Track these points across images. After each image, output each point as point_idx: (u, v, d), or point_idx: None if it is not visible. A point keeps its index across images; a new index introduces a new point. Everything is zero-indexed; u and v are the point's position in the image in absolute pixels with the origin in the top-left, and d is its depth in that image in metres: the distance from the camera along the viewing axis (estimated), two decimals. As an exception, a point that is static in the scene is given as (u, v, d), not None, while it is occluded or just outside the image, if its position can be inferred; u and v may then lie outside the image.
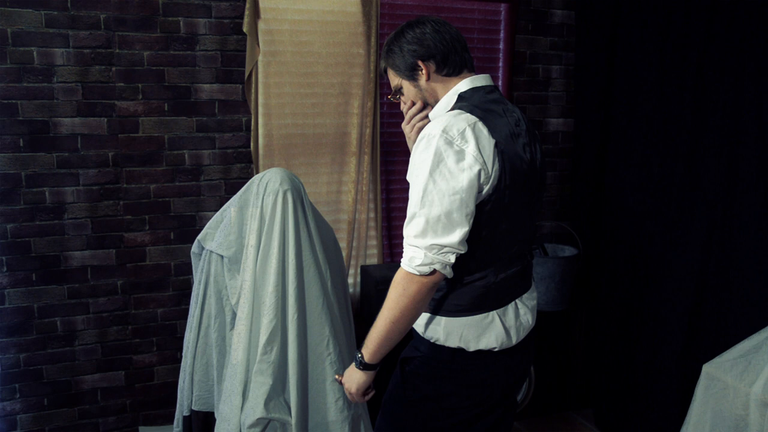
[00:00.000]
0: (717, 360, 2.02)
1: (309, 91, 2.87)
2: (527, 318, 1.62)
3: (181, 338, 2.48)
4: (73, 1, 2.49)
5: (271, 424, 2.07)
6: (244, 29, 2.67)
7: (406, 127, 1.71)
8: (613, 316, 3.02)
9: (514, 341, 1.58)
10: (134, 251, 2.73)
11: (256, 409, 2.03)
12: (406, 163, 1.52)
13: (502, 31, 3.20)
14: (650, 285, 2.78)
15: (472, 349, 1.54)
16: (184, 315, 2.76)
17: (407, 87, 1.63)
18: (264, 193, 2.12)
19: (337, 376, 1.69)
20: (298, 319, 2.09)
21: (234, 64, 2.73)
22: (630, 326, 2.90)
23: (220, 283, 2.25)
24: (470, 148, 1.40)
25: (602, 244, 3.10)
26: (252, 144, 2.78)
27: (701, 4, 2.48)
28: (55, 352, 2.67)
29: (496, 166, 1.43)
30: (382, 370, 1.64)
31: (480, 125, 1.44)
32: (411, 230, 1.43)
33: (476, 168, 1.40)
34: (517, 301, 1.60)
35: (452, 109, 1.52)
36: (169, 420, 2.79)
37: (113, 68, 2.59)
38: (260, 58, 2.74)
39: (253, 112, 2.75)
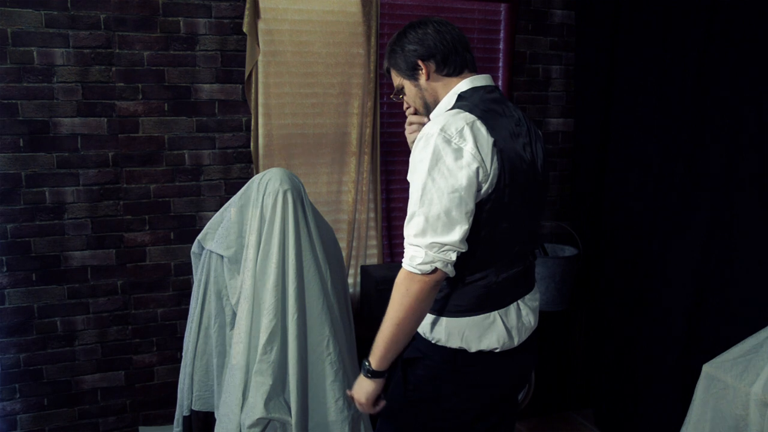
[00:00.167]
0: (717, 360, 2.01)
1: (309, 91, 2.87)
2: (529, 319, 1.62)
3: (181, 338, 2.48)
4: (73, 1, 2.49)
5: (271, 424, 2.07)
6: (244, 29, 2.67)
7: (406, 130, 1.74)
8: (613, 316, 3.02)
9: (515, 342, 1.58)
10: (134, 251, 2.73)
11: (256, 409, 2.03)
12: (406, 163, 1.52)
13: (502, 31, 3.20)
14: (650, 285, 2.78)
15: (473, 349, 1.54)
16: (184, 315, 2.76)
17: (408, 87, 1.64)
18: (264, 193, 2.12)
19: (348, 392, 1.66)
20: (298, 319, 2.09)
21: (234, 64, 2.73)
22: (630, 326, 2.90)
23: (220, 283, 2.25)
24: (468, 147, 1.40)
25: (602, 244, 3.10)
26: (252, 144, 2.78)
27: (701, 4, 2.48)
28: (55, 352, 2.67)
29: (495, 164, 1.43)
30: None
31: (478, 124, 1.44)
32: (411, 229, 1.43)
33: (474, 165, 1.40)
34: (519, 301, 1.60)
35: (452, 108, 1.52)
36: (169, 420, 2.78)
37: (113, 68, 2.59)
38: (260, 58, 2.74)
39: (253, 112, 2.75)
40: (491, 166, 1.43)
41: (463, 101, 1.53)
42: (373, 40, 2.86)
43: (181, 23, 2.64)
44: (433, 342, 1.57)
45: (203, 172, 2.77)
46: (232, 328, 2.20)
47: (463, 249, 1.44)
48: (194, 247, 2.36)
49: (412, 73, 1.61)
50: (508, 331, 1.56)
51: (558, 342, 3.20)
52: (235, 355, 2.09)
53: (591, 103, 3.13)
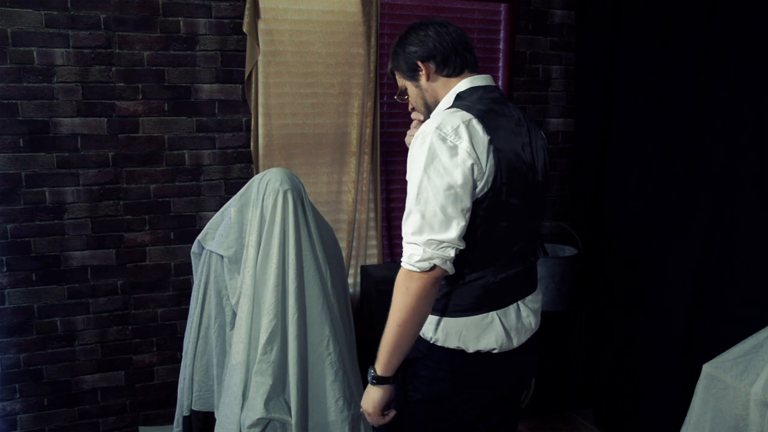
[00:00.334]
0: (717, 360, 2.01)
1: (309, 91, 2.87)
2: (530, 320, 1.61)
3: (181, 338, 2.48)
4: (73, 1, 2.49)
5: (271, 424, 2.07)
6: (244, 29, 2.67)
7: (408, 133, 1.77)
8: (613, 316, 3.02)
9: (514, 343, 1.58)
10: (134, 251, 2.73)
11: (256, 409, 2.03)
12: (406, 163, 1.52)
13: (502, 31, 3.20)
14: (650, 285, 2.78)
15: (471, 350, 1.54)
16: (184, 315, 2.76)
17: (410, 88, 1.67)
18: (264, 193, 2.12)
19: (361, 408, 1.61)
20: (298, 319, 2.09)
21: (234, 64, 2.73)
22: (630, 326, 2.90)
23: (220, 283, 2.25)
24: (463, 144, 1.41)
25: (602, 244, 3.10)
26: (252, 144, 2.78)
27: (701, 4, 2.48)
28: (55, 352, 2.67)
29: (491, 162, 1.44)
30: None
31: (475, 122, 1.45)
32: (408, 227, 1.44)
33: (469, 163, 1.41)
34: (519, 302, 1.59)
35: (450, 107, 1.54)
36: (169, 420, 2.78)
37: (113, 68, 2.59)
38: (260, 58, 2.74)
39: (253, 112, 2.75)
40: (487, 164, 1.43)
41: (461, 100, 1.54)
42: (373, 40, 2.86)
43: (181, 23, 2.64)
44: (431, 342, 1.57)
45: (203, 172, 2.77)
46: (232, 328, 2.20)
47: (461, 246, 1.44)
48: (194, 247, 2.36)
49: (413, 75, 1.63)
50: (507, 332, 1.55)
51: (558, 342, 3.20)
52: (235, 355, 2.09)
53: (591, 103, 3.13)
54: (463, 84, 1.59)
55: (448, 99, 1.59)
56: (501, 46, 3.21)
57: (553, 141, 3.35)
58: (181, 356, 2.39)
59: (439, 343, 1.55)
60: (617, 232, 2.99)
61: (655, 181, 2.74)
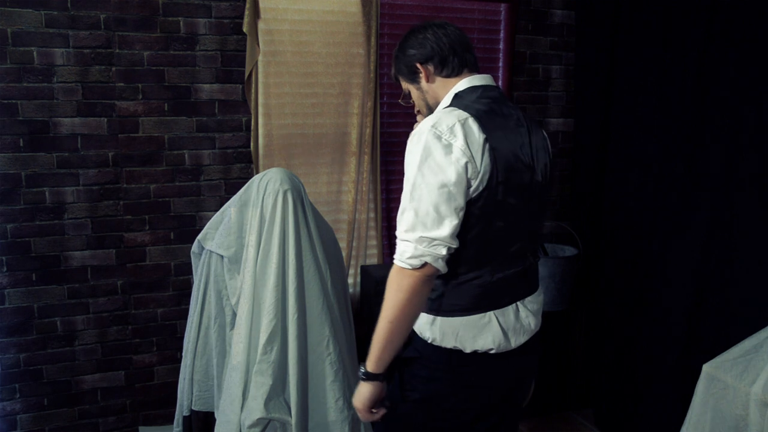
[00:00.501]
0: (717, 360, 2.01)
1: (309, 91, 2.87)
2: (529, 321, 1.61)
3: (181, 338, 2.48)
4: (73, 1, 2.49)
5: (271, 424, 2.07)
6: (244, 29, 2.67)
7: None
8: (613, 316, 3.02)
9: (512, 344, 1.57)
10: (134, 251, 2.73)
11: (256, 409, 2.03)
12: (405, 161, 1.53)
13: (502, 31, 3.20)
14: (650, 285, 2.78)
15: (468, 350, 1.53)
16: (184, 315, 2.76)
17: (412, 90, 1.70)
18: (264, 193, 2.12)
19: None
20: (298, 319, 2.09)
21: (234, 64, 2.73)
22: (630, 326, 2.90)
23: (220, 283, 2.25)
24: (458, 143, 1.42)
25: (602, 244, 3.10)
26: (252, 144, 2.78)
27: (701, 4, 2.48)
28: (55, 352, 2.67)
29: (486, 161, 1.44)
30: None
31: (470, 121, 1.46)
32: (402, 225, 1.45)
33: (463, 161, 1.41)
34: (518, 303, 1.59)
35: (448, 107, 1.55)
36: (169, 420, 2.78)
37: (113, 68, 2.59)
38: (260, 58, 2.74)
39: (253, 112, 2.75)
40: (481, 162, 1.44)
41: (460, 100, 1.55)
42: (373, 40, 2.86)
43: (181, 23, 2.64)
44: (428, 342, 1.56)
45: (203, 172, 2.77)
46: (232, 328, 2.20)
47: (453, 244, 1.44)
48: (194, 247, 2.36)
49: (413, 77, 1.66)
50: (505, 332, 1.55)
51: (558, 342, 3.20)
52: (235, 355, 2.09)
53: (591, 103, 3.13)
54: (462, 84, 1.60)
55: (447, 99, 1.60)
56: (501, 46, 3.21)
57: (553, 141, 3.35)
58: (181, 356, 2.39)
59: (436, 343, 1.55)
60: (617, 232, 2.99)
61: (655, 181, 2.74)
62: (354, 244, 3.02)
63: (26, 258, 2.58)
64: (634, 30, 2.84)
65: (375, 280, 2.80)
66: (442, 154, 1.41)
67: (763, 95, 2.27)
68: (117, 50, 2.58)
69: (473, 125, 1.45)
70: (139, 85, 2.63)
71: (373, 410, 1.58)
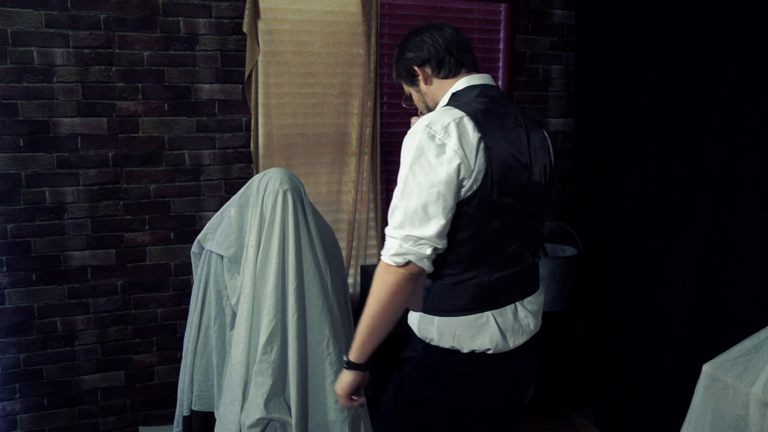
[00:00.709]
0: (717, 360, 2.01)
1: (309, 91, 2.87)
2: (528, 322, 1.60)
3: (181, 338, 2.48)
4: (73, 1, 2.49)
5: (271, 424, 2.07)
6: (244, 29, 2.67)
7: None
8: (613, 316, 3.02)
9: (510, 345, 1.57)
10: (134, 251, 2.73)
11: (256, 409, 2.03)
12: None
13: (502, 31, 3.20)
14: (650, 285, 2.78)
15: (465, 350, 1.53)
16: (184, 315, 2.76)
17: (413, 93, 1.71)
18: (264, 193, 2.12)
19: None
20: (298, 319, 2.09)
21: (234, 64, 2.73)
22: (630, 326, 2.90)
23: (220, 283, 2.25)
24: (451, 142, 1.42)
25: (602, 244, 3.10)
26: (252, 144, 2.78)
27: (701, 4, 2.48)
28: (55, 352, 2.67)
29: (480, 160, 1.44)
30: (382, 371, 1.64)
31: (466, 120, 1.46)
32: (391, 222, 1.46)
33: (456, 162, 1.42)
34: (517, 303, 1.59)
35: (444, 106, 1.56)
36: (169, 420, 2.78)
37: (113, 68, 2.59)
38: (260, 58, 2.74)
39: (253, 112, 2.75)
40: (475, 162, 1.44)
41: (457, 99, 1.56)
42: (373, 40, 2.86)
43: (181, 23, 2.64)
44: (426, 342, 1.57)
45: (203, 172, 2.77)
46: (232, 328, 2.20)
47: (439, 245, 1.45)
48: (194, 247, 2.36)
49: (412, 80, 1.67)
50: (502, 332, 1.55)
51: (558, 342, 3.20)
52: (235, 355, 2.09)
53: (591, 103, 3.13)
54: (460, 84, 1.60)
55: (445, 99, 1.61)
56: (501, 46, 3.21)
57: (553, 141, 3.33)
58: (181, 356, 2.39)
59: (434, 343, 1.55)
60: (617, 232, 2.99)
61: (655, 181, 2.74)
62: (354, 244, 3.02)
63: (26, 258, 2.58)
64: (634, 30, 2.84)
65: (375, 280, 2.80)
66: (435, 154, 1.42)
67: (763, 95, 2.27)
68: (117, 50, 2.58)
69: (468, 124, 1.45)
70: (139, 85, 2.63)
71: (354, 397, 1.62)
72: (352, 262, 3.02)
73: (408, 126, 1.81)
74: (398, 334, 1.68)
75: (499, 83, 3.23)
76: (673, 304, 2.65)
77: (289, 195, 2.11)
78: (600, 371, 3.13)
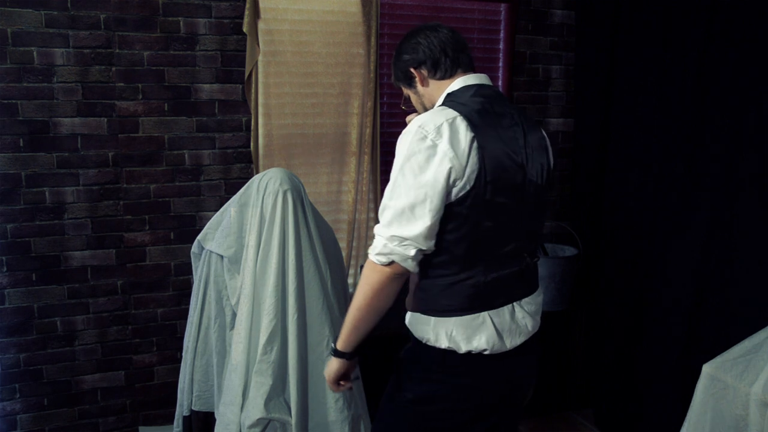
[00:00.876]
0: (717, 360, 2.01)
1: (309, 91, 2.87)
2: (525, 322, 1.60)
3: (181, 338, 2.48)
4: (73, 1, 2.49)
5: (271, 424, 2.07)
6: (244, 29, 2.67)
7: None
8: (613, 316, 3.02)
9: (507, 346, 1.56)
10: (134, 251, 2.73)
11: (256, 409, 2.03)
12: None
13: (502, 31, 3.20)
14: (650, 285, 2.78)
15: (462, 350, 1.53)
16: (184, 315, 2.76)
17: (411, 95, 1.73)
18: (264, 193, 2.12)
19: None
20: (298, 319, 2.09)
21: (234, 64, 2.73)
22: (630, 326, 2.90)
23: (220, 283, 2.25)
24: (443, 143, 1.43)
25: (602, 244, 3.10)
26: (252, 144, 2.78)
27: (701, 4, 2.48)
28: (55, 352, 2.67)
29: (473, 160, 1.44)
30: (382, 371, 1.64)
31: (459, 120, 1.46)
32: (381, 220, 1.48)
33: (446, 164, 1.42)
34: (515, 304, 1.58)
35: (439, 106, 1.56)
36: (169, 420, 2.78)
37: (113, 68, 2.59)
38: (260, 58, 2.74)
39: (253, 112, 2.75)
40: (467, 162, 1.44)
41: (452, 99, 1.56)
42: (373, 40, 2.86)
43: (181, 23, 2.64)
44: (423, 342, 1.57)
45: (203, 172, 2.77)
46: (232, 328, 2.20)
47: (425, 246, 1.45)
48: (194, 247, 2.36)
49: (410, 82, 1.69)
50: (499, 333, 1.54)
51: (558, 342, 3.20)
52: (235, 355, 2.09)
53: (591, 103, 3.13)
54: (456, 84, 1.61)
55: (441, 99, 1.62)
56: (501, 46, 3.21)
57: (553, 141, 3.35)
58: (181, 356, 2.39)
59: (430, 343, 1.55)
60: (617, 232, 2.99)
61: (655, 181, 2.74)
62: (354, 244, 3.02)
63: (26, 258, 2.58)
64: (634, 30, 2.84)
65: (375, 280, 2.80)
66: (425, 155, 1.43)
67: (763, 95, 2.27)
68: (117, 50, 2.58)
69: (461, 124, 1.45)
70: (139, 85, 2.63)
71: (341, 383, 1.67)
72: (352, 262, 3.02)
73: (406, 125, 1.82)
74: (397, 334, 1.68)
75: (499, 83, 3.23)
76: (673, 304, 2.65)
77: (289, 195, 2.11)
78: (600, 371, 3.13)
